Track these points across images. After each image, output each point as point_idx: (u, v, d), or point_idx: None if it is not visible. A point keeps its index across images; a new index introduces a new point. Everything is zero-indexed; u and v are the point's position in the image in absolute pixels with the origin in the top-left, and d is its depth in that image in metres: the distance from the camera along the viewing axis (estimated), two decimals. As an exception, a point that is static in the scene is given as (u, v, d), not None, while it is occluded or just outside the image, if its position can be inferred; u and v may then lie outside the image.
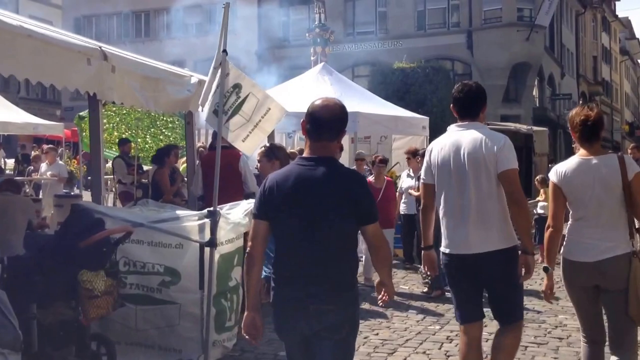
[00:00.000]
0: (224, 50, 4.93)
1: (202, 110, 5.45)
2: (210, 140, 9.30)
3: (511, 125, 17.05)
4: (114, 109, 12.17)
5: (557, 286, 4.17)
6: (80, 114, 13.26)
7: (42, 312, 4.22)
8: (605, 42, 48.59)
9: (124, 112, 12.46)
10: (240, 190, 6.90)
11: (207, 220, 4.96)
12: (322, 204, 2.97)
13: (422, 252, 4.38)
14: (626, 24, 56.09)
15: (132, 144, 11.90)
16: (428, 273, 4.62)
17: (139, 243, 5.10)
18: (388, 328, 6.38)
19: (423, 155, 5.00)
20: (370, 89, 17.73)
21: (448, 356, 5.60)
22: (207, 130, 10.74)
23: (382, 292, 3.20)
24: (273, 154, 6.31)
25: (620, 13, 60.17)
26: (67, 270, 4.27)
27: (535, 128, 17.71)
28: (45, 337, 4.23)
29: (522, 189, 4.00)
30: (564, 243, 4.00)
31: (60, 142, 18.59)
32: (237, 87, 5.00)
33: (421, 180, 4.34)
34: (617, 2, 52.57)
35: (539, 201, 10.50)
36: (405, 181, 9.52)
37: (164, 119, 13.12)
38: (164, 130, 13.42)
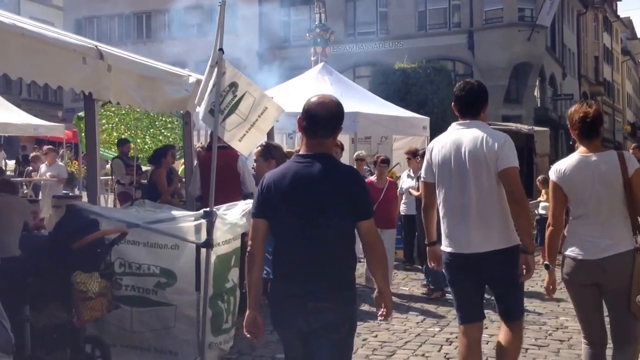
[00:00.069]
0: (220, 49, 4.88)
1: (198, 110, 5.40)
2: (209, 140, 9.23)
3: (512, 126, 17.02)
4: (113, 109, 12.08)
5: (559, 287, 4.12)
6: (79, 114, 13.16)
7: (35, 315, 4.16)
8: (606, 42, 48.56)
9: (123, 112, 12.37)
10: (238, 190, 6.83)
11: (203, 221, 4.90)
12: (320, 202, 2.96)
13: (427, 248, 4.34)
14: (628, 24, 56.06)
15: (131, 144, 11.83)
16: (432, 266, 4.47)
17: (135, 244, 5.01)
18: (387, 330, 6.32)
19: (423, 156, 4.94)
20: (371, 90, 17.69)
21: (447, 359, 5.54)
22: (206, 131, 10.68)
23: (382, 308, 3.11)
24: (269, 153, 6.24)
25: (621, 13, 60.27)
26: (61, 271, 4.21)
27: (536, 128, 17.71)
28: (39, 340, 4.18)
29: (523, 188, 3.95)
30: (564, 241, 3.96)
31: (62, 143, 18.56)
32: (233, 85, 4.95)
33: (421, 179, 4.31)
34: (618, 2, 52.55)
35: (540, 201, 10.43)
36: (406, 181, 9.46)
37: (163, 119, 13.03)
38: (163, 131, 13.32)
